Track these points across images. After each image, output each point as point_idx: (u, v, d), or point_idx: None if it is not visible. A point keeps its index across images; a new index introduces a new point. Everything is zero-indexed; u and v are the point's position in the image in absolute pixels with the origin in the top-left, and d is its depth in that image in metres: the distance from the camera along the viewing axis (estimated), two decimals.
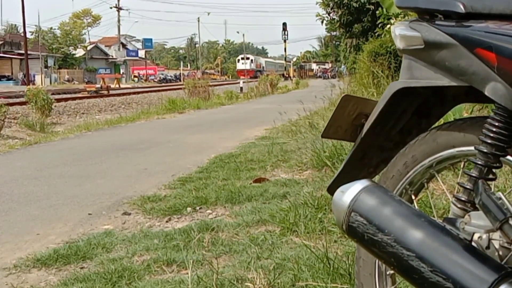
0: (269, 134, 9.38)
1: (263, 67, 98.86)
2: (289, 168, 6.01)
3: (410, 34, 1.60)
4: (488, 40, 1.37)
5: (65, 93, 29.79)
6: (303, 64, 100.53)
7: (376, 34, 13.28)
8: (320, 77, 76.05)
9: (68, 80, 57.40)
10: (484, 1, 1.44)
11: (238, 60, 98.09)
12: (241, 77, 78.18)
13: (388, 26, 9.85)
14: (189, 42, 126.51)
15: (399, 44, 1.66)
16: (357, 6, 19.83)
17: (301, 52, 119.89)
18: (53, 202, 5.00)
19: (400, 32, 1.64)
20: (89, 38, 75.98)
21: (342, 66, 41.95)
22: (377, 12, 10.35)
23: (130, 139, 9.81)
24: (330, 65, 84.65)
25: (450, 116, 4.49)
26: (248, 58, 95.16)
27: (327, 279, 2.72)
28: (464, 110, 5.42)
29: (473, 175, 1.48)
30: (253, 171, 5.95)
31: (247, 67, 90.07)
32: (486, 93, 1.41)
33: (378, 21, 11.10)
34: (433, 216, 1.66)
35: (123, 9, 76.91)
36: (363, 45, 15.99)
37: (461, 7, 1.46)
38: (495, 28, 1.37)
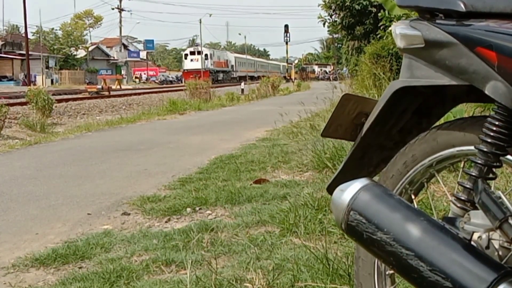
0: (270, 136, 9.37)
1: (232, 65, 74.64)
2: (290, 169, 6.00)
3: (411, 33, 1.59)
4: (488, 39, 1.37)
5: (66, 94, 29.79)
6: (304, 66, 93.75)
7: (378, 36, 13.27)
8: (321, 79, 72.94)
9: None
10: (485, 0, 1.43)
11: (186, 55, 66.94)
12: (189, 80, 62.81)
13: (390, 28, 9.84)
14: (191, 44, 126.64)
15: (400, 43, 1.65)
16: (359, 8, 19.83)
17: (303, 54, 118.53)
18: (52, 202, 5.00)
19: (401, 31, 1.64)
20: (90, 39, 75.99)
21: (344, 68, 42.01)
22: (379, 14, 10.35)
23: (130, 140, 9.80)
24: (331, 67, 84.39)
25: (451, 116, 4.49)
26: (200, 53, 64.54)
27: (326, 280, 2.71)
28: (465, 113, 5.41)
29: (473, 174, 1.48)
30: (253, 172, 5.94)
31: (198, 66, 62.59)
32: (486, 92, 1.40)
33: (380, 23, 11.09)
34: (433, 217, 1.65)
35: (125, 10, 77.04)
36: (365, 47, 15.99)
37: (462, 6, 1.45)
38: (496, 27, 1.37)
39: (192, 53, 65.86)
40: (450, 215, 1.53)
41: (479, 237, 1.43)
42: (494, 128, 1.45)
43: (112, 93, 31.75)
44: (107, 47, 76.37)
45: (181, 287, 2.83)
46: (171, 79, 74.46)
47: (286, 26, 54.59)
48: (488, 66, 1.37)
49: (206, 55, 64.81)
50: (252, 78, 69.94)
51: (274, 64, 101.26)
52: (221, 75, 66.40)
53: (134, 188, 5.47)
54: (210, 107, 19.39)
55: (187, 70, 63.12)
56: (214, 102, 21.58)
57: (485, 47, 1.37)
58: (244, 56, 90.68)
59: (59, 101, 20.41)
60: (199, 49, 65.78)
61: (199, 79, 56.42)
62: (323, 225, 3.62)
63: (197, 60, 63.69)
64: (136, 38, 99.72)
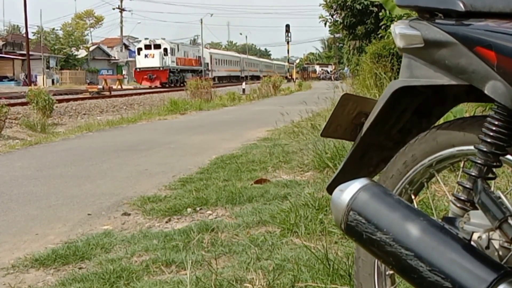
0: (271, 136, 9.37)
1: (206, 63, 60.52)
2: (291, 169, 6.00)
3: (410, 33, 1.59)
4: (488, 39, 1.36)
5: (66, 94, 29.79)
6: (306, 66, 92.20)
7: (379, 36, 13.27)
8: (323, 79, 72.19)
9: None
10: None
11: (139, 49, 50.38)
12: (143, 83, 47.77)
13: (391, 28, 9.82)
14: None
15: (399, 43, 1.65)
16: (360, 8, 19.84)
17: (304, 54, 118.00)
18: (52, 202, 5.00)
19: (400, 30, 1.63)
20: (91, 39, 75.87)
21: (345, 68, 42.00)
22: (380, 14, 10.34)
23: (131, 140, 9.80)
24: (333, 67, 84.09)
25: (451, 116, 4.48)
26: (158, 47, 49.41)
27: (326, 280, 2.71)
28: (465, 113, 5.40)
29: (473, 174, 1.47)
30: (254, 172, 5.93)
31: (155, 63, 48.33)
32: (485, 91, 1.40)
33: (381, 23, 11.08)
34: (433, 217, 1.65)
35: (126, 10, 77.09)
36: (366, 47, 15.99)
37: (461, 5, 1.45)
38: (495, 26, 1.37)
39: (147, 47, 49.68)
40: (450, 215, 1.52)
41: (479, 237, 1.42)
42: (494, 128, 1.44)
43: (113, 93, 31.76)
44: (108, 47, 76.31)
45: (181, 287, 2.83)
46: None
47: (287, 26, 54.58)
48: (487, 65, 1.37)
49: (165, 49, 49.46)
50: (237, 78, 62.56)
51: (266, 63, 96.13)
52: (189, 76, 48.60)
53: (134, 188, 5.47)
54: (211, 107, 19.39)
55: (139, 69, 48.89)
56: (215, 102, 21.58)
57: (485, 47, 1.37)
58: (224, 52, 77.62)
59: (60, 101, 20.43)
60: (156, 42, 49.97)
61: (154, 81, 44.90)
62: (323, 225, 3.61)
63: (153, 56, 48.59)
64: (137, 38, 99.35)
